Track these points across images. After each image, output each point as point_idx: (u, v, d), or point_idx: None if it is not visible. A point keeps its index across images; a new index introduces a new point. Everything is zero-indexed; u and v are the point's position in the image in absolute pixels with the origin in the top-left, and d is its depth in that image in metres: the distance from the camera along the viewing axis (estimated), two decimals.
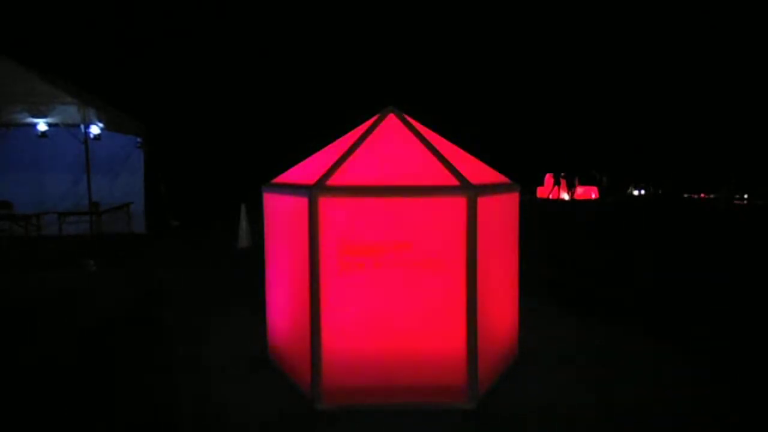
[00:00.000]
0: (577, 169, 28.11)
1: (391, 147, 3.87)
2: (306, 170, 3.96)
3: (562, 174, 28.05)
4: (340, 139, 4.24)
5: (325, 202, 3.41)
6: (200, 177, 19.15)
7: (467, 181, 3.46)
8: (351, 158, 3.68)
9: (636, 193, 30.47)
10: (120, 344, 4.93)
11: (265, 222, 4.35)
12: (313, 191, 3.41)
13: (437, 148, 3.80)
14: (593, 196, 27.90)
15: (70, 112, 9.02)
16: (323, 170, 3.58)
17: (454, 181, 3.47)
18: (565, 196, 28.07)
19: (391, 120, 4.10)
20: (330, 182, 3.47)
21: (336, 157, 3.71)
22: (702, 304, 6.28)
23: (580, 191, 27.74)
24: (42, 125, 9.17)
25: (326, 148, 4.28)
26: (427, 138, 3.91)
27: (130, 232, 12.14)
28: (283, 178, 4.21)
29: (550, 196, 28.13)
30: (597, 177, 28.20)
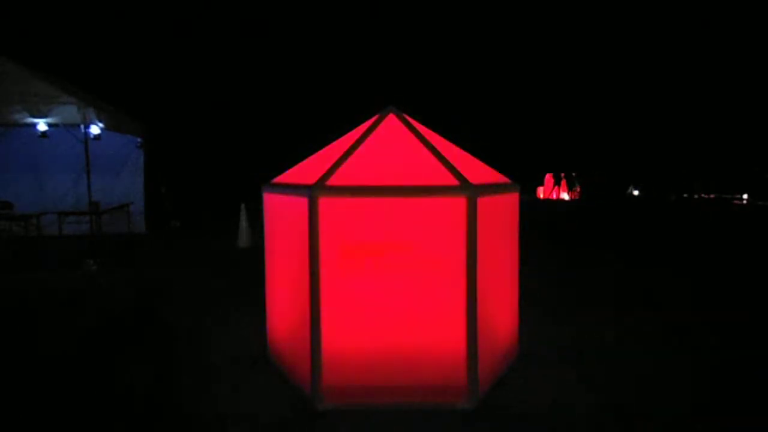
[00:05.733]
0: (578, 170, 28.13)
1: (391, 147, 3.87)
2: (306, 170, 3.96)
3: (562, 174, 28.08)
4: (340, 139, 4.25)
5: (325, 202, 3.41)
6: (200, 177, 19.14)
7: (467, 181, 3.46)
8: (351, 158, 3.68)
9: (636, 193, 30.48)
10: (120, 344, 4.93)
11: (265, 222, 4.35)
12: (313, 191, 3.41)
13: (437, 148, 3.80)
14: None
15: (70, 112, 9.01)
16: (323, 170, 3.58)
17: (454, 181, 3.47)
18: (565, 196, 28.07)
19: (391, 120, 4.10)
20: (330, 182, 3.47)
21: (336, 157, 3.71)
22: (701, 302, 6.28)
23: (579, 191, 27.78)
24: (42, 125, 9.16)
25: (326, 148, 4.28)
26: (427, 138, 3.91)
27: (130, 232, 12.14)
28: (283, 178, 4.21)
29: (552, 196, 28.15)
30: (596, 178, 28.21)
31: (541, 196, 28.66)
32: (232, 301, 6.35)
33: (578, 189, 27.58)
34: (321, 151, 4.29)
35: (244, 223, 10.55)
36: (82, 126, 9.05)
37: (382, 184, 3.49)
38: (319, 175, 3.54)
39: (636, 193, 28.64)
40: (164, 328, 5.35)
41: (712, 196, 24.50)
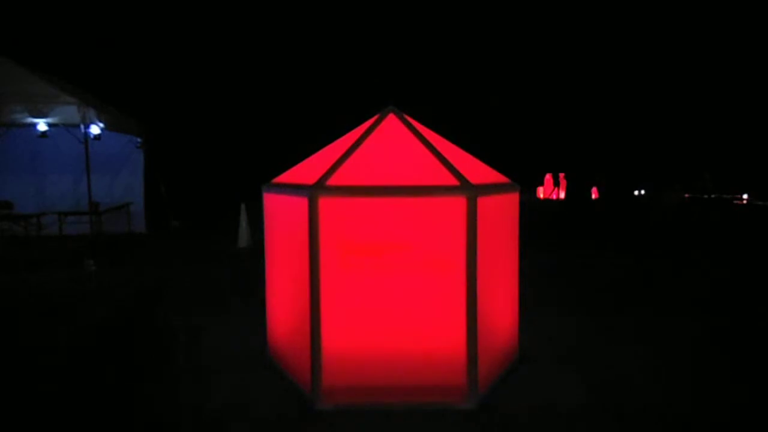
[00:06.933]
0: (578, 170, 28.14)
1: (391, 147, 3.87)
2: (306, 170, 3.96)
3: (561, 174, 28.10)
4: (340, 139, 4.25)
5: (325, 202, 3.41)
6: (200, 177, 19.15)
7: (467, 181, 3.46)
8: (351, 158, 3.68)
9: (636, 193, 30.49)
10: (119, 344, 4.93)
11: (265, 222, 4.35)
12: (313, 191, 3.41)
13: (437, 148, 3.80)
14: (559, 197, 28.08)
15: (70, 112, 9.02)
16: (323, 170, 3.58)
17: (454, 181, 3.47)
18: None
19: (391, 120, 4.10)
20: (330, 182, 3.47)
21: (336, 157, 3.71)
22: (702, 302, 6.28)
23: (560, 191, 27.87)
24: (42, 125, 9.17)
25: (326, 148, 4.28)
26: (427, 138, 3.92)
27: (130, 232, 12.14)
28: (283, 178, 4.21)
29: (553, 196, 28.16)
30: (597, 179, 28.23)
31: (541, 196, 28.68)
32: (232, 300, 6.35)
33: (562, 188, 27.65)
34: (321, 151, 4.29)
35: (244, 223, 10.55)
36: (82, 126, 9.06)
37: (382, 184, 3.49)
38: (319, 175, 3.54)
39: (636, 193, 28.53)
40: (164, 328, 5.35)
41: (712, 195, 24.51)
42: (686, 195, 23.63)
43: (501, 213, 3.95)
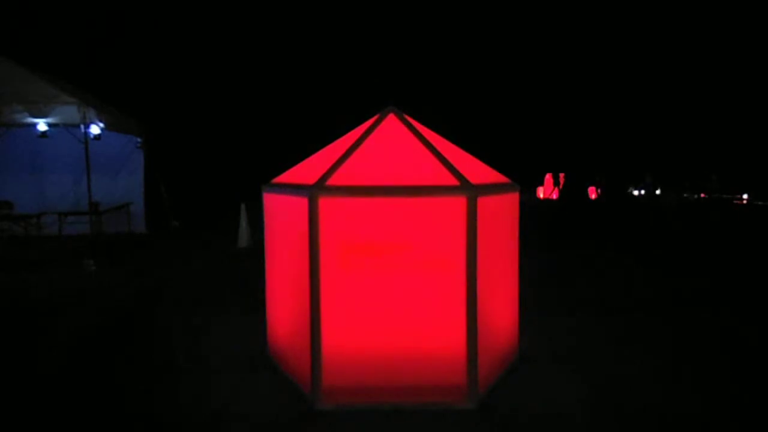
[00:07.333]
0: (578, 170, 28.12)
1: (391, 147, 3.87)
2: (306, 170, 3.96)
3: (561, 174, 28.09)
4: (341, 139, 4.25)
5: (325, 202, 3.41)
6: (200, 177, 19.15)
7: (467, 181, 3.46)
8: (351, 158, 3.68)
9: (636, 193, 30.46)
10: (119, 344, 4.93)
11: (265, 222, 4.35)
12: (313, 191, 3.41)
13: (437, 148, 3.80)
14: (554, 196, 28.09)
15: (70, 112, 9.02)
16: (323, 170, 3.58)
17: (454, 181, 3.47)
18: None
19: (391, 120, 4.10)
20: (330, 182, 3.47)
21: (336, 157, 3.71)
22: (703, 303, 6.28)
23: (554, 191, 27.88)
24: (42, 125, 9.17)
25: (326, 148, 4.28)
26: (427, 138, 3.92)
27: (130, 232, 12.14)
28: (283, 178, 4.21)
29: (553, 196, 28.17)
30: (598, 179, 28.22)
31: (541, 196, 28.70)
32: (232, 300, 6.35)
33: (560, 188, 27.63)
34: (321, 151, 4.29)
35: (244, 223, 10.55)
36: (82, 126, 9.05)
37: (382, 184, 3.49)
38: (319, 175, 3.54)
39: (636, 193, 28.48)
40: (163, 328, 5.35)
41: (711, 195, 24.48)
42: (686, 195, 23.64)
43: (501, 213, 3.95)
